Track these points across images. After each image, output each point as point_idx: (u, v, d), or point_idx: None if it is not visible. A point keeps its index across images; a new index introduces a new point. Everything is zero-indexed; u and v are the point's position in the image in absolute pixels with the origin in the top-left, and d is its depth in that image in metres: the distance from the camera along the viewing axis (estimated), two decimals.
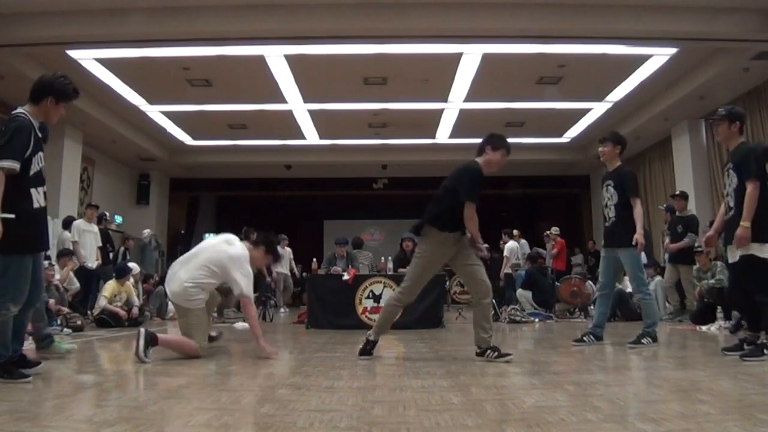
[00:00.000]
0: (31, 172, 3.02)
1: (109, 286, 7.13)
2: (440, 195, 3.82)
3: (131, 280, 7.91)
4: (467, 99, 10.07)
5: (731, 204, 3.79)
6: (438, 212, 3.77)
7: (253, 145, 13.11)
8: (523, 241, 10.43)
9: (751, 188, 3.62)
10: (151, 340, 3.68)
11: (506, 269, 9.20)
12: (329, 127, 11.81)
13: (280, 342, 5.53)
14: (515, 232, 10.28)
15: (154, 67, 8.68)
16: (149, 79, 9.21)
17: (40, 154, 3.10)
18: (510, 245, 9.41)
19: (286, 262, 10.63)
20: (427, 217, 3.81)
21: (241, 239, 4.21)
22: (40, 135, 3.12)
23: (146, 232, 11.29)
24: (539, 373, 3.17)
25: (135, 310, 7.31)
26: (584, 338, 4.60)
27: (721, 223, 4.02)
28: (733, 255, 3.74)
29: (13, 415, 2.15)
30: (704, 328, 5.98)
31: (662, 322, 7.08)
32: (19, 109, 3.11)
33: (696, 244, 7.07)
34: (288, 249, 10.74)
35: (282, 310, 9.96)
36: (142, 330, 3.72)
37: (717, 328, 5.85)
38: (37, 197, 3.05)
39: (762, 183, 3.66)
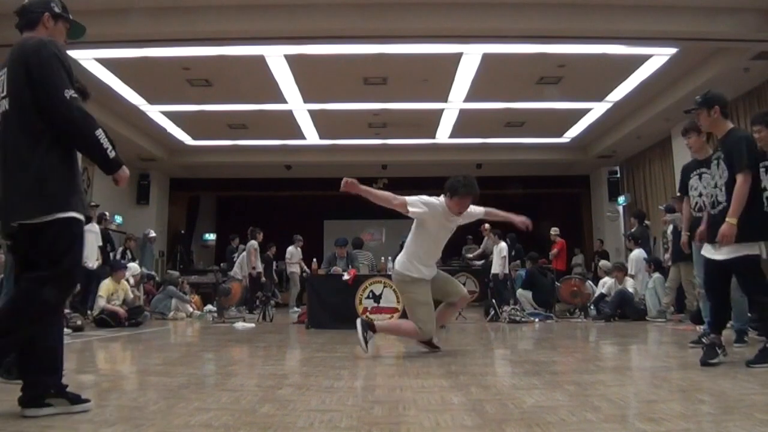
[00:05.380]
0: None
1: (105, 285, 7.12)
2: None
3: (131, 280, 7.91)
4: (467, 99, 10.05)
5: (720, 198, 3.49)
6: None
7: (253, 145, 13.10)
8: (502, 243, 10.18)
9: (741, 181, 3.31)
10: (369, 327, 3.90)
11: (506, 269, 9.10)
12: (329, 127, 11.81)
13: (280, 342, 5.55)
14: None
15: (154, 67, 8.67)
16: (149, 79, 9.19)
17: None
18: (502, 245, 9.24)
19: (297, 262, 10.71)
20: None
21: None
22: None
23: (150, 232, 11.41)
24: (539, 373, 3.17)
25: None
26: None
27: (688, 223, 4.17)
28: (718, 252, 3.42)
29: (13, 414, 2.15)
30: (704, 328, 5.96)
31: (663, 322, 7.09)
32: None
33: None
34: (299, 249, 10.89)
35: (296, 309, 9.73)
36: (358, 320, 3.94)
37: None
38: None
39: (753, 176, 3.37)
